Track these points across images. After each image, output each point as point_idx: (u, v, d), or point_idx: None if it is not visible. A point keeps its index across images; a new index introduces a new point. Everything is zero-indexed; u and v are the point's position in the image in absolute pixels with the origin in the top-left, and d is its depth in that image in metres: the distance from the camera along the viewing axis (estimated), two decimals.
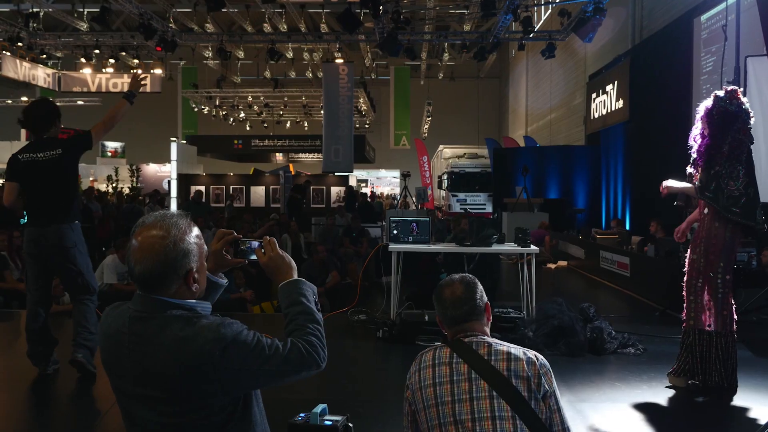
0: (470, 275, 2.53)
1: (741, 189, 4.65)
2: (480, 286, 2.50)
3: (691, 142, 4.99)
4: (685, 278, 4.97)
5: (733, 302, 4.82)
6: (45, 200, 5.03)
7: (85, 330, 5.10)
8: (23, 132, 27.30)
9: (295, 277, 2.18)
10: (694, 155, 4.97)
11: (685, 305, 4.95)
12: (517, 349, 2.33)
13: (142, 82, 5.35)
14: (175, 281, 1.92)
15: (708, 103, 4.83)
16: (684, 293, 4.96)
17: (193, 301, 1.98)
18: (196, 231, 2.00)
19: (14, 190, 5.05)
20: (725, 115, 4.70)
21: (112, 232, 13.89)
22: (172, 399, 1.88)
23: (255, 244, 2.28)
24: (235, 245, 2.29)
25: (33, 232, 5.06)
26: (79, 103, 29.71)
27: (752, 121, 4.77)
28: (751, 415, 4.33)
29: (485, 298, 2.48)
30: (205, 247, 2.04)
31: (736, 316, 4.83)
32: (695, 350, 4.82)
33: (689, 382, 4.88)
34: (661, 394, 4.86)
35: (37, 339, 5.21)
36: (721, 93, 4.79)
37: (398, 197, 24.36)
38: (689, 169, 5.01)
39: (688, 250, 4.99)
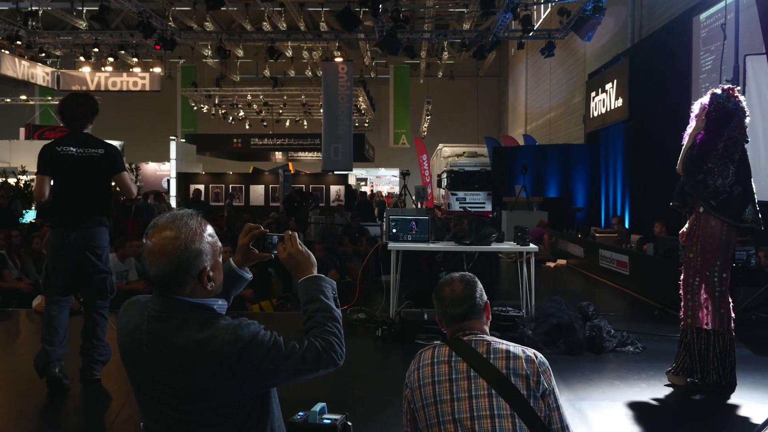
0: (470, 274, 2.53)
1: (727, 187, 4.67)
2: (480, 285, 2.50)
3: (684, 141, 5.00)
4: (681, 277, 4.97)
5: (730, 300, 4.83)
6: (77, 198, 4.75)
7: (101, 343, 4.96)
8: (22, 130, 27.30)
9: (315, 273, 2.19)
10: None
11: (682, 304, 4.95)
12: (516, 348, 2.33)
13: None
14: (189, 281, 1.93)
15: (704, 100, 4.84)
16: (681, 292, 4.96)
17: (211, 299, 2.00)
18: (209, 230, 2.00)
19: (47, 184, 4.76)
20: (722, 112, 4.71)
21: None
22: (190, 398, 1.89)
23: (275, 238, 2.29)
24: (262, 240, 2.30)
25: (60, 234, 4.77)
26: None
27: (747, 119, 4.78)
28: (750, 412, 4.34)
29: (485, 297, 2.48)
30: (219, 244, 2.04)
31: (733, 314, 4.84)
32: (693, 349, 4.82)
33: (688, 380, 4.89)
34: (660, 393, 4.86)
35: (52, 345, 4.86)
36: (718, 91, 4.80)
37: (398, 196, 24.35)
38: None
39: (686, 250, 4.99)
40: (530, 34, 17.06)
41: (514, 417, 2.19)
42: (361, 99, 30.11)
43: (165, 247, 1.90)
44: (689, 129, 4.97)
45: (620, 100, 15.14)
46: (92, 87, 24.50)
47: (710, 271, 4.77)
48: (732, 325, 4.81)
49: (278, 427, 2.05)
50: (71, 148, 4.74)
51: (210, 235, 2.00)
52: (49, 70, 23.61)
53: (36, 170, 4.81)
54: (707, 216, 4.77)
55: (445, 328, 2.50)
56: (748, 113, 4.79)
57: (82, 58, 21.90)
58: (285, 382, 1.97)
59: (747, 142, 4.81)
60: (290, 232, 2.26)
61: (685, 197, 5.03)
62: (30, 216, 14.58)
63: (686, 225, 5.03)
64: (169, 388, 1.90)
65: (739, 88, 4.91)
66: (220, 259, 2.05)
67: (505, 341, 2.37)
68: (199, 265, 1.93)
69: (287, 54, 25.01)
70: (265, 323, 1.97)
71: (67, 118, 4.90)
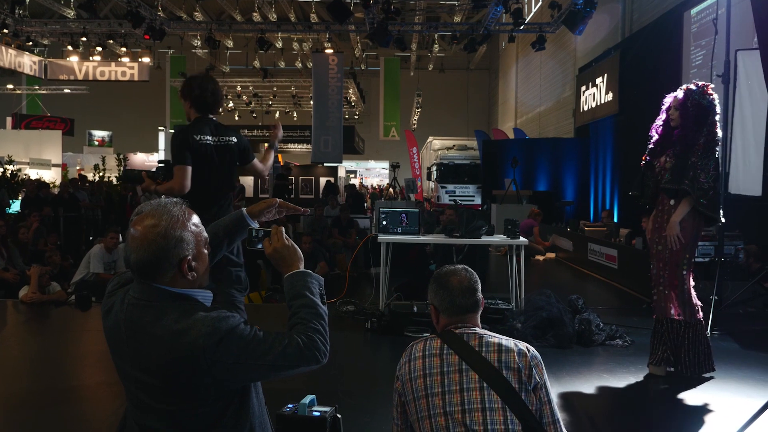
0: (468, 267, 2.51)
1: (710, 182, 4.73)
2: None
3: (652, 132, 5.06)
4: (652, 270, 5.02)
5: (694, 292, 4.91)
6: (211, 191, 4.32)
7: None
8: (9, 120, 27.06)
9: (302, 268, 2.17)
10: (651, 145, 5.07)
11: (654, 296, 5.01)
12: (508, 341, 2.31)
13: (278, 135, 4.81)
14: (168, 270, 1.90)
15: (679, 94, 4.90)
16: (652, 284, 5.01)
17: (193, 290, 1.97)
18: (194, 219, 1.98)
19: (189, 175, 4.21)
20: (699, 108, 4.79)
21: None
22: (166, 388, 1.87)
23: (261, 233, 2.27)
24: (248, 235, 2.31)
25: None
26: (66, 91, 29.47)
27: (717, 117, 4.87)
28: (738, 406, 4.36)
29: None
30: (205, 234, 2.02)
31: (700, 303, 4.93)
32: (667, 339, 4.92)
33: (668, 369, 4.95)
34: (648, 386, 4.89)
35: None
36: (693, 87, 4.88)
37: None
38: (646, 159, 5.11)
39: (654, 242, 5.03)
40: (521, 27, 17.03)
41: (506, 410, 2.17)
42: (351, 91, 30.04)
43: (145, 234, 1.89)
44: (658, 121, 5.04)
45: (610, 95, 15.16)
46: (80, 76, 24.33)
47: (679, 264, 4.85)
48: (700, 315, 4.90)
49: (258, 425, 2.02)
50: (207, 137, 4.30)
51: (194, 224, 1.97)
52: (36, 59, 23.41)
53: (174, 160, 4.25)
54: (682, 211, 4.83)
55: (439, 319, 2.46)
56: (719, 111, 4.88)
57: (69, 47, 21.70)
58: (265, 377, 1.95)
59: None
60: (276, 227, 2.23)
61: (644, 188, 5.14)
62: (16, 206, 14.48)
63: (650, 223, 5.10)
64: (146, 377, 1.88)
65: (712, 85, 4.97)
66: (205, 251, 2.02)
67: (497, 334, 2.36)
68: (180, 254, 1.91)
69: (277, 45, 24.91)
70: (254, 315, 1.96)
71: (205, 101, 4.39)
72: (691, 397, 4.64)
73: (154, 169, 4.42)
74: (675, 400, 4.62)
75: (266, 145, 4.85)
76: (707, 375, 4.91)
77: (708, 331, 6.11)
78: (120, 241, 8.30)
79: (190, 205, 3.96)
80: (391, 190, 22.84)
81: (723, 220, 4.88)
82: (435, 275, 2.50)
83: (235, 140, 4.43)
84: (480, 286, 2.46)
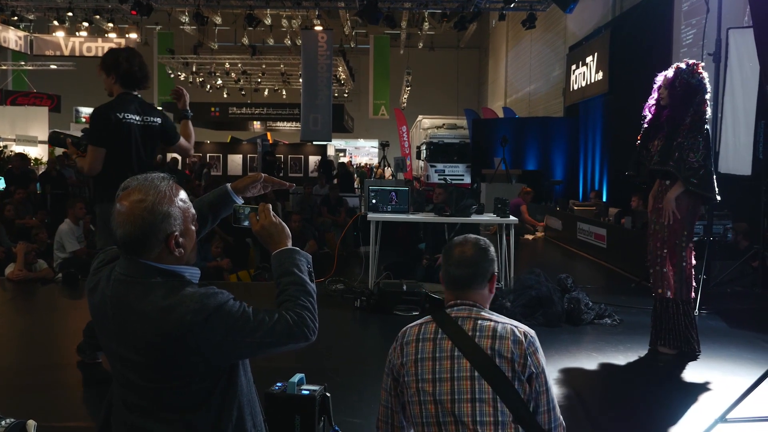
0: (485, 239, 2.40)
1: (700, 161, 4.73)
2: (492, 254, 2.36)
3: (645, 112, 5.08)
4: (648, 248, 5.05)
5: (693, 270, 4.93)
6: (133, 171, 3.89)
7: None
8: None
9: (290, 245, 2.15)
10: (646, 125, 5.08)
11: (651, 277, 5.03)
12: (504, 326, 2.21)
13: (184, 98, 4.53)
14: (155, 245, 1.88)
15: (669, 73, 4.90)
16: (648, 263, 5.05)
17: (181, 266, 1.95)
18: (181, 195, 1.95)
19: (102, 158, 4.02)
20: (687, 87, 4.77)
21: None
22: (153, 366, 1.85)
23: (248, 210, 2.24)
24: (235, 212, 2.29)
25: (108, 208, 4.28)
26: (52, 67, 29.08)
27: (708, 95, 4.85)
28: (724, 383, 4.38)
29: (494, 268, 2.35)
30: (192, 210, 1.99)
31: (694, 284, 4.96)
32: (662, 318, 4.95)
33: (674, 351, 4.97)
34: (636, 364, 4.91)
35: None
36: (682, 65, 4.86)
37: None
38: (640, 140, 5.12)
39: (652, 222, 5.05)
40: (511, 5, 16.94)
41: (496, 401, 2.11)
42: (340, 69, 29.84)
43: (132, 210, 1.86)
44: (651, 100, 5.04)
45: (600, 74, 15.12)
46: (66, 52, 24.02)
47: (678, 240, 4.86)
48: (692, 294, 4.94)
49: (247, 403, 2.00)
50: (132, 116, 4.10)
51: (182, 200, 1.95)
52: (21, 34, 23.07)
53: (89, 139, 4.06)
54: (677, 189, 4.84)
55: (445, 293, 2.38)
56: (709, 90, 4.87)
57: (55, 23, 21.39)
58: (253, 354, 1.94)
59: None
60: (264, 204, 2.20)
61: (639, 167, 5.16)
62: (1, 183, 14.32)
63: (650, 202, 5.11)
64: (132, 355, 1.86)
65: (703, 64, 4.96)
66: (193, 227, 1.99)
67: (495, 316, 2.27)
68: (167, 229, 1.88)
69: (266, 22, 24.60)
70: (243, 293, 1.93)
71: (133, 76, 4.18)
72: (679, 375, 4.66)
73: (79, 135, 4.27)
74: (663, 378, 4.65)
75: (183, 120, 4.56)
76: (694, 354, 4.93)
77: (696, 310, 6.18)
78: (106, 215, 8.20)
79: (109, 187, 3.74)
80: (381, 169, 22.76)
81: (719, 198, 4.85)
82: (449, 244, 2.41)
83: (160, 122, 4.28)
84: (491, 260, 2.33)
